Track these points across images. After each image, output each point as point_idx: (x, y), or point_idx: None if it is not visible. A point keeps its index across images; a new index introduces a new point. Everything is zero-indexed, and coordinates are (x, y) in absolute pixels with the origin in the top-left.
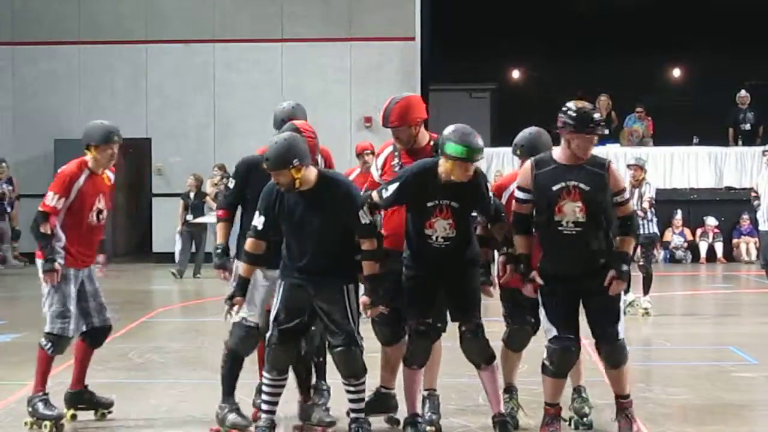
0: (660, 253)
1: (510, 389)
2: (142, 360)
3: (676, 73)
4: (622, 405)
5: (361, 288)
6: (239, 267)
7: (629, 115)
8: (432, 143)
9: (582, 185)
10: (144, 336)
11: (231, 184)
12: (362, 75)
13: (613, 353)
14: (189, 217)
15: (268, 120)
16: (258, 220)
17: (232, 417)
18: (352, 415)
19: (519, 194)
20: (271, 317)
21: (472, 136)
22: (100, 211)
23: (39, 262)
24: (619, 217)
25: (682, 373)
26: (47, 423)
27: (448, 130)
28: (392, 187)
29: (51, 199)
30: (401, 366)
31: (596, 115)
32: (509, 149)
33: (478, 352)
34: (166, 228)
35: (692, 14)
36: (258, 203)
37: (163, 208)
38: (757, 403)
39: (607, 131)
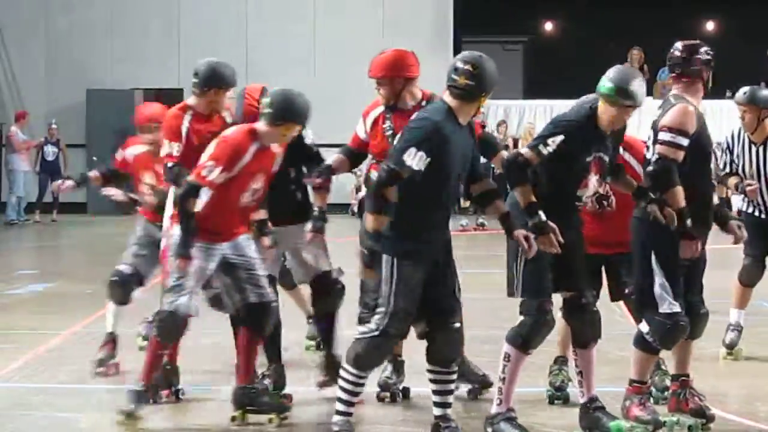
0: None
1: (560, 360)
2: None
3: (710, 26)
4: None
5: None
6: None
7: (662, 69)
8: (424, 103)
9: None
10: None
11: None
12: (395, 26)
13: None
14: None
15: (295, 72)
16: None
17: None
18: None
19: (683, 140)
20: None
21: None
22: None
23: None
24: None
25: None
26: None
27: (623, 74)
28: (555, 140)
29: None
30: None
31: None
32: (541, 102)
33: (598, 327)
34: None
35: None
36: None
37: None
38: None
39: None
